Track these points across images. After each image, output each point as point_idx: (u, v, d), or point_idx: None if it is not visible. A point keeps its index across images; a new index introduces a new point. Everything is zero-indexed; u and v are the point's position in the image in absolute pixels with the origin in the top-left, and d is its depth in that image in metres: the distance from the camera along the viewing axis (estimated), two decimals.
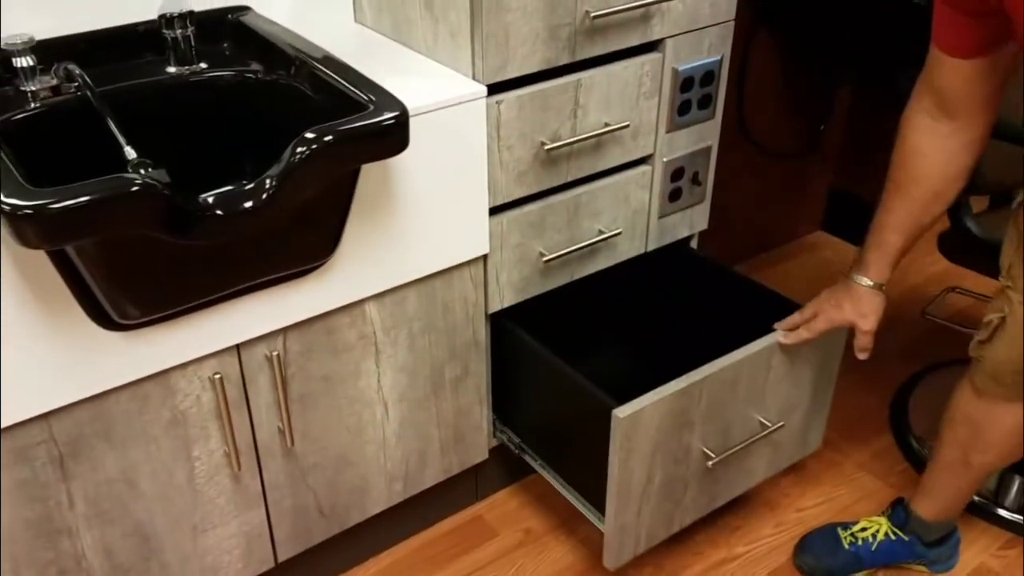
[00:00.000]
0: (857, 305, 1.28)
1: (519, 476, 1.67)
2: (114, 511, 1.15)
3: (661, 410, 1.26)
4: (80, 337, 1.02)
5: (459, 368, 1.41)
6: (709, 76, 1.42)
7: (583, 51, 1.27)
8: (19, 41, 1.11)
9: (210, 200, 0.95)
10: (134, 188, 0.88)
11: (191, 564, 1.26)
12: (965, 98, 1.10)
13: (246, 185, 0.96)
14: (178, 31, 1.19)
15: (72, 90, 1.12)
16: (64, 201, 0.85)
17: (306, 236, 1.10)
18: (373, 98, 1.04)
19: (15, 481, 1.06)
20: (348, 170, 1.06)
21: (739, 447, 1.37)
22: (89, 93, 1.09)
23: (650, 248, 1.53)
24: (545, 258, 1.39)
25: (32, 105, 1.11)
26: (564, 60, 1.25)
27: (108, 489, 1.13)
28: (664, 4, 1.31)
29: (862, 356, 1.31)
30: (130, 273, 0.98)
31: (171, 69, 1.21)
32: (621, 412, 1.22)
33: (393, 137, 1.03)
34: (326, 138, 0.98)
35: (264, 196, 0.96)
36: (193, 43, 1.20)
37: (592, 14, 1.23)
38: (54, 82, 1.13)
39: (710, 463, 1.34)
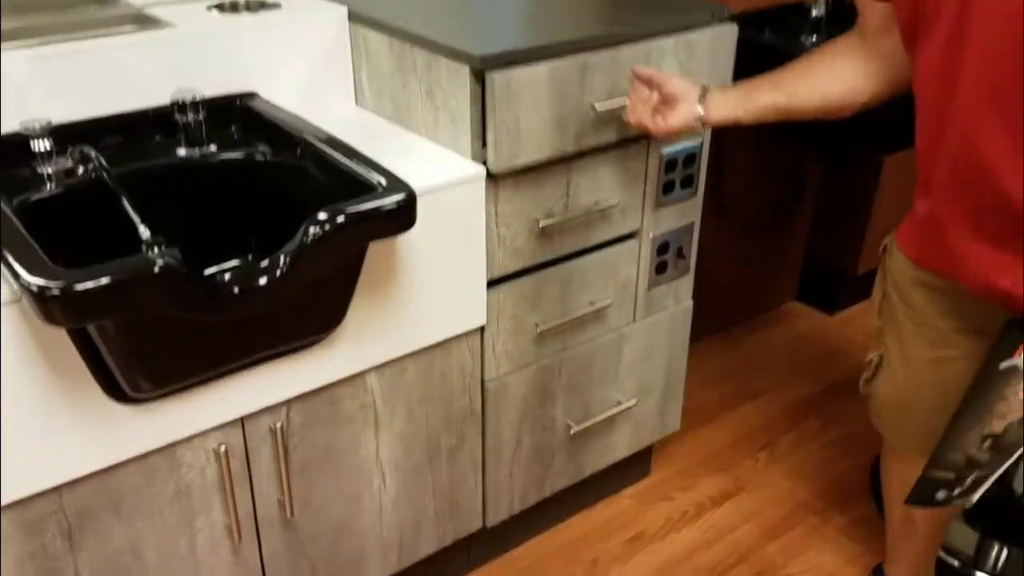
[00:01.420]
0: (680, 90, 1.27)
1: (512, 545, 1.69)
2: None
3: (525, 381, 1.47)
4: (94, 411, 1.04)
5: (455, 437, 1.44)
6: (691, 158, 1.50)
7: (588, 142, 1.34)
8: (37, 126, 1.16)
9: (226, 277, 0.99)
10: (156, 268, 0.92)
11: None
12: (880, 35, 1.17)
13: (261, 263, 1.01)
14: (190, 116, 1.25)
15: (87, 171, 1.17)
16: (90, 281, 0.89)
17: (314, 310, 1.14)
18: (383, 180, 1.10)
19: (26, 553, 1.07)
20: (357, 248, 1.11)
21: (598, 419, 1.59)
22: (105, 174, 1.14)
23: (638, 319, 1.59)
24: (539, 329, 1.44)
25: (48, 186, 1.15)
26: (570, 150, 1.32)
27: (114, 561, 1.14)
28: None
29: (631, 118, 1.30)
30: (145, 348, 1.01)
31: (181, 151, 1.27)
32: (490, 382, 1.42)
33: (401, 217, 1.09)
34: (338, 218, 1.03)
35: (278, 273, 1.01)
36: (204, 127, 1.26)
37: (598, 107, 1.31)
38: (70, 164, 1.18)
39: (572, 431, 1.56)
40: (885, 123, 1.91)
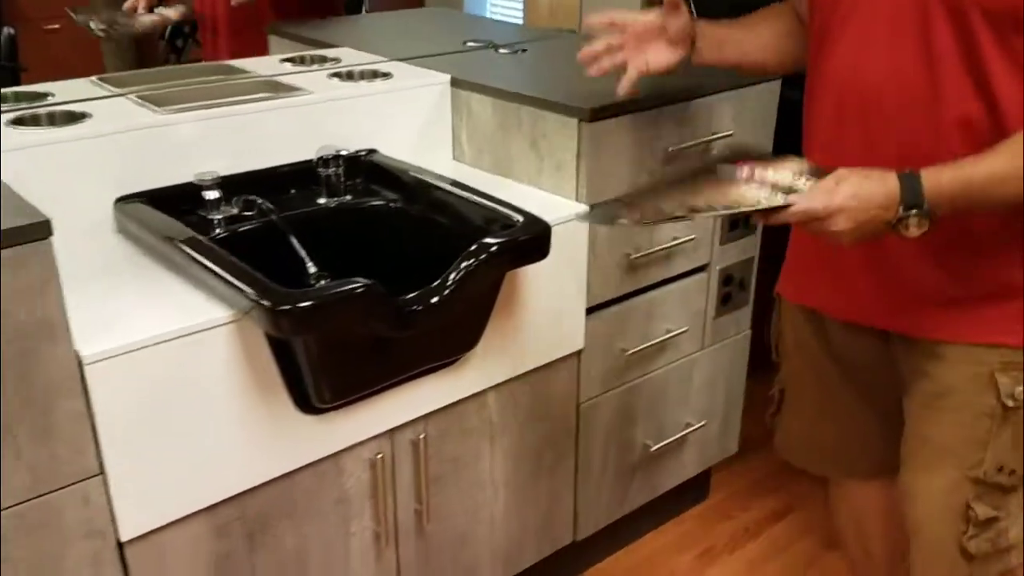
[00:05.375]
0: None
1: (596, 560, 1.82)
2: None
3: (612, 403, 1.64)
4: (282, 420, 1.18)
5: (554, 455, 1.59)
6: None
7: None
8: (208, 178, 1.33)
9: (409, 297, 1.15)
10: (360, 289, 1.08)
11: None
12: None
13: (433, 284, 1.17)
14: (331, 169, 1.43)
15: (251, 217, 1.33)
16: (311, 300, 1.05)
17: (461, 331, 1.30)
18: (519, 217, 1.28)
19: (214, 555, 1.19)
20: (503, 274, 1.28)
21: (672, 439, 1.76)
22: (274, 217, 1.30)
23: (706, 346, 1.76)
24: (627, 353, 1.61)
25: (218, 231, 1.31)
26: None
27: (284, 563, 1.26)
28: None
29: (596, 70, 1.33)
30: (334, 361, 1.16)
31: (321, 200, 1.44)
32: (584, 403, 1.57)
33: (540, 247, 1.26)
34: (492, 248, 1.21)
35: (446, 293, 1.17)
36: (342, 178, 1.44)
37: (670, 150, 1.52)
38: (235, 211, 1.34)
39: (652, 450, 1.72)
40: None
